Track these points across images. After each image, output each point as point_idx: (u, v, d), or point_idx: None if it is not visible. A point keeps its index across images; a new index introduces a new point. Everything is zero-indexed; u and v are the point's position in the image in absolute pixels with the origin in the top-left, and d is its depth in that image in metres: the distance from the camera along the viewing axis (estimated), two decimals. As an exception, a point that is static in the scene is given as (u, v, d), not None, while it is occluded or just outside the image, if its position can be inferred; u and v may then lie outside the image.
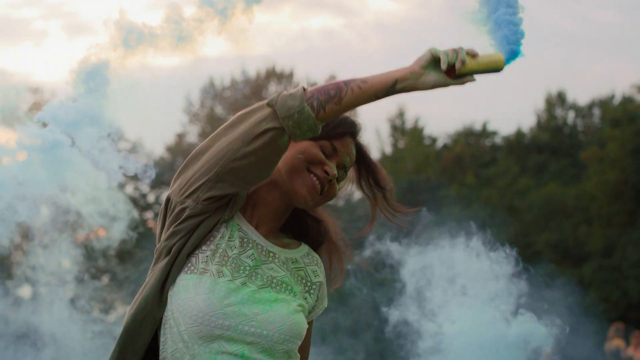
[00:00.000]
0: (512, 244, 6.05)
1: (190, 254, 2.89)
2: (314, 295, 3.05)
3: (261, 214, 3.01)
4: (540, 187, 31.73)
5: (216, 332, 2.81)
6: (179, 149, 37.73)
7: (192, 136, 38.13)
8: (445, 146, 38.74)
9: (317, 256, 3.12)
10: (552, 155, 34.83)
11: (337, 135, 3.01)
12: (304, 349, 3.09)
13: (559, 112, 38.19)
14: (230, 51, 51.51)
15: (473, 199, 30.40)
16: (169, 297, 2.87)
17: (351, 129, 3.05)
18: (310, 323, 3.09)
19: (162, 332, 2.88)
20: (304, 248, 3.10)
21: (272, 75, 38.15)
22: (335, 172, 2.98)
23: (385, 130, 39.52)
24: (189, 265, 2.88)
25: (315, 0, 51.90)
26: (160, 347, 2.88)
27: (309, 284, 3.04)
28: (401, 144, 38.92)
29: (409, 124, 38.94)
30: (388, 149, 38.74)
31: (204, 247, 2.90)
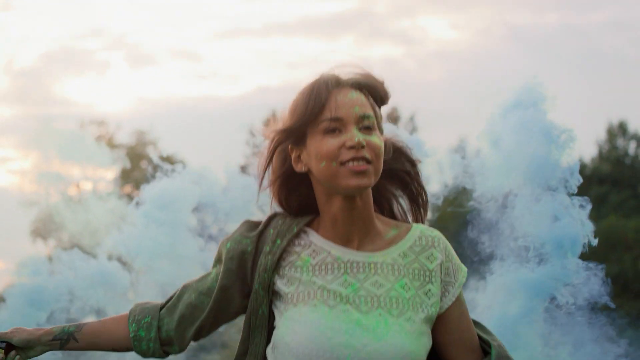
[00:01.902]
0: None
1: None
2: (437, 280, 2.64)
3: (342, 229, 2.64)
4: (601, 219, 31.68)
5: None
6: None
7: (255, 168, 38.54)
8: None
9: (432, 235, 2.69)
10: (613, 186, 34.73)
11: (321, 105, 2.59)
12: (465, 330, 2.70)
13: (620, 142, 38.04)
14: (292, 80, 52.23)
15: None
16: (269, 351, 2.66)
17: (328, 86, 2.61)
18: (458, 301, 2.68)
19: None
20: (415, 232, 2.69)
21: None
22: (358, 136, 2.56)
23: (447, 162, 39.57)
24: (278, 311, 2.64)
25: (377, 30, 52.25)
26: None
27: (427, 273, 2.64)
28: (462, 175, 38.89)
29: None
30: (450, 182, 38.82)
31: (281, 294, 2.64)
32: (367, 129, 2.59)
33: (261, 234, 2.69)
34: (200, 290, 2.73)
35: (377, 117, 2.64)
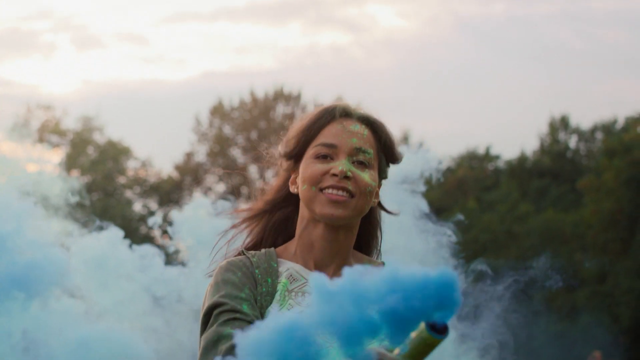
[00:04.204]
0: (511, 268, 6.23)
1: None
2: None
3: (317, 255, 2.62)
4: (540, 212, 32.13)
5: None
6: (187, 168, 38.33)
7: (201, 155, 38.72)
8: (448, 169, 38.91)
9: None
10: (553, 180, 35.17)
11: (320, 129, 2.62)
12: None
13: (562, 136, 38.46)
14: (238, 65, 52.19)
15: (474, 223, 30.76)
16: None
17: (333, 113, 2.63)
18: None
19: None
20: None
21: (280, 96, 38.67)
22: (345, 166, 2.55)
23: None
24: None
25: (325, 16, 52.44)
26: None
27: None
28: (405, 166, 38.97)
29: (413, 147, 39.03)
30: (392, 171, 38.98)
31: None
32: (361, 164, 2.59)
33: (251, 273, 2.59)
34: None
35: (379, 159, 2.65)
